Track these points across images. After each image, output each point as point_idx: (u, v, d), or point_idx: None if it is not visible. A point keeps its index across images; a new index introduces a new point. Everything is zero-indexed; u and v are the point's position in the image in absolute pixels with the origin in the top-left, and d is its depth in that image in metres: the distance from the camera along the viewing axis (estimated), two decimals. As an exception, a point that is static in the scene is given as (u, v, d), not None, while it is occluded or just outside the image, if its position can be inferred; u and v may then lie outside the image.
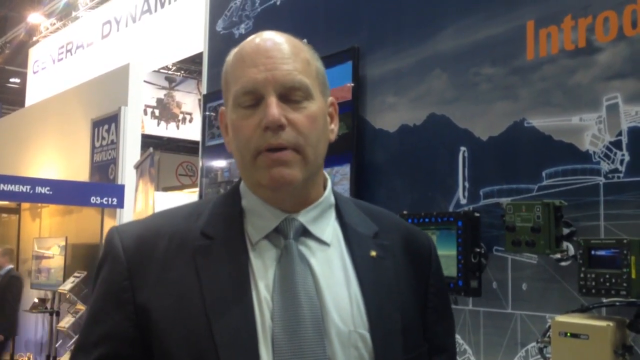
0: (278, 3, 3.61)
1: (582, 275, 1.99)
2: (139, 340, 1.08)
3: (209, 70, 4.17)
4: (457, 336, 2.48)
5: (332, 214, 1.21)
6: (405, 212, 2.59)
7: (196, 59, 10.38)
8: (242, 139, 1.12)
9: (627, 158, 2.06)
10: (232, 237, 1.13)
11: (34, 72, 13.38)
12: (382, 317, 1.12)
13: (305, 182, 1.14)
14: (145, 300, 1.08)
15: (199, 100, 12.23)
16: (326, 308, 1.09)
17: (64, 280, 7.53)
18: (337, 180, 2.96)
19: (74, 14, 12.09)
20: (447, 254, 2.35)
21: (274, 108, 1.09)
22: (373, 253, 1.18)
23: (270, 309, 1.07)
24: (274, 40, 1.16)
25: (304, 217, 1.16)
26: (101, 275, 1.14)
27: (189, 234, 1.13)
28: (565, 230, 2.14)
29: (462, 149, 2.55)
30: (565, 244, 2.14)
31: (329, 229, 1.18)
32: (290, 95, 1.11)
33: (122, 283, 1.10)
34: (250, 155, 1.11)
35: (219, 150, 3.89)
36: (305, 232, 1.15)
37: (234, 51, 1.19)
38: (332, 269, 1.14)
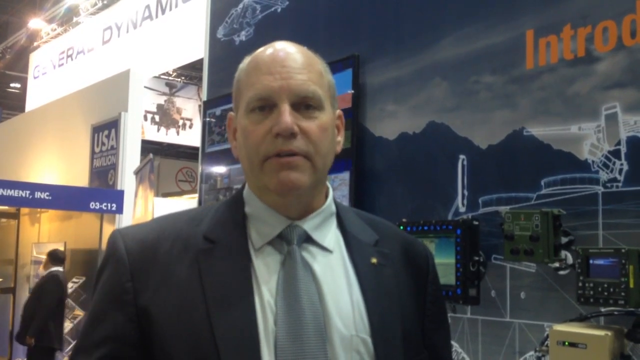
0: (279, 10, 3.62)
1: (580, 284, 1.99)
2: (140, 342, 1.08)
3: (209, 77, 4.18)
4: (456, 344, 2.48)
5: (334, 222, 1.22)
6: (404, 219, 2.59)
7: (196, 65, 10.39)
8: (251, 144, 1.13)
9: (625, 167, 2.06)
10: (235, 241, 1.14)
11: (35, 77, 13.42)
12: (383, 322, 1.13)
13: (311, 190, 1.16)
14: (147, 303, 1.09)
15: (199, 106, 12.24)
16: (329, 313, 1.10)
17: (63, 285, 7.52)
18: (335, 185, 2.96)
19: (75, 19, 12.14)
20: (446, 262, 2.35)
21: (287, 116, 1.10)
22: (374, 260, 1.19)
23: (273, 313, 1.08)
24: (289, 50, 1.18)
25: (307, 224, 1.17)
26: (103, 277, 1.14)
27: (191, 238, 1.14)
28: (564, 239, 2.14)
29: (462, 157, 2.55)
30: (563, 253, 2.14)
31: (331, 236, 1.20)
32: (303, 104, 1.13)
33: (125, 285, 1.11)
34: (259, 160, 1.13)
35: (219, 157, 3.90)
36: (308, 239, 1.17)
37: (247, 59, 1.21)
38: (334, 275, 1.15)
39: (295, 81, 1.13)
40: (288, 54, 1.17)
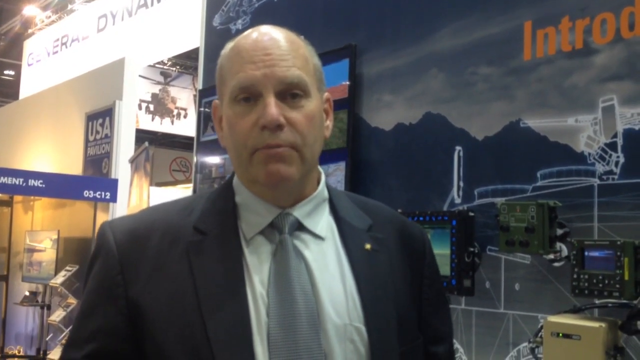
0: (276, -1, 3.60)
1: (575, 276, 1.99)
2: (131, 336, 1.07)
3: (205, 66, 4.16)
4: (450, 335, 2.48)
5: (326, 208, 1.21)
6: (399, 210, 2.58)
7: (192, 55, 10.37)
8: (238, 136, 1.11)
9: (621, 160, 2.06)
10: (225, 232, 1.13)
11: (29, 65, 13.32)
12: (377, 310, 1.12)
13: (300, 179, 1.14)
14: (137, 295, 1.08)
15: (194, 95, 12.22)
16: (321, 302, 1.09)
17: (56, 273, 7.51)
18: (330, 171, 2.95)
19: (69, 7, 12.05)
20: (441, 253, 2.35)
21: (272, 108, 1.08)
22: (367, 246, 1.18)
23: (265, 305, 1.07)
24: (272, 35, 1.14)
25: (298, 212, 1.16)
26: (93, 270, 1.13)
27: (182, 229, 1.13)
28: (559, 231, 2.15)
29: (458, 148, 2.55)
30: (558, 245, 2.14)
31: (323, 222, 1.18)
32: (289, 92, 1.11)
33: (115, 278, 1.10)
34: (247, 152, 1.11)
35: (214, 146, 3.89)
36: (299, 227, 1.15)
37: (230, 45, 1.18)
38: (327, 262, 1.14)
39: (279, 68, 1.10)
40: (271, 39, 1.13)
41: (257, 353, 1.04)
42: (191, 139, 4.39)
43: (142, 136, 10.36)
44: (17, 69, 14.56)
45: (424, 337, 1.22)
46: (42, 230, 8.38)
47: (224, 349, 1.02)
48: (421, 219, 2.45)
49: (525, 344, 2.21)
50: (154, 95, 13.37)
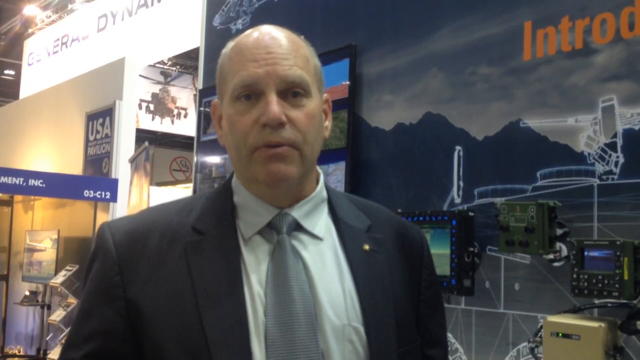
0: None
1: (574, 275, 1.99)
2: (130, 336, 1.07)
3: (205, 66, 4.16)
4: (450, 335, 2.48)
5: (325, 209, 1.21)
6: (399, 210, 2.59)
7: (192, 54, 10.38)
8: (238, 134, 1.11)
9: (621, 160, 2.06)
10: (224, 232, 1.13)
11: (29, 65, 13.33)
12: (376, 310, 1.12)
13: (300, 179, 1.14)
14: (136, 296, 1.08)
15: (194, 95, 12.22)
16: (320, 302, 1.09)
17: (56, 273, 7.51)
18: (330, 171, 2.95)
19: (70, 6, 12.05)
20: (441, 253, 2.35)
21: (274, 105, 1.08)
22: (366, 247, 1.18)
23: (263, 304, 1.07)
24: (274, 35, 1.14)
25: (296, 212, 1.15)
26: (92, 271, 1.14)
27: (180, 230, 1.13)
28: (559, 231, 2.15)
29: (458, 148, 2.55)
30: (558, 245, 2.14)
31: (322, 223, 1.18)
32: (290, 91, 1.11)
33: (113, 278, 1.10)
34: (247, 150, 1.10)
35: (214, 146, 3.89)
36: (298, 227, 1.15)
37: (231, 44, 1.18)
38: (325, 263, 1.14)
39: (281, 67, 1.10)
40: (273, 39, 1.13)
41: (255, 353, 1.03)
42: (191, 138, 4.39)
43: (142, 136, 10.37)
44: (17, 68, 14.56)
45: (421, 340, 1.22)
46: (42, 230, 8.38)
47: (221, 349, 1.02)
48: (421, 219, 2.45)
49: (525, 343, 2.21)
50: (154, 95, 13.38)
